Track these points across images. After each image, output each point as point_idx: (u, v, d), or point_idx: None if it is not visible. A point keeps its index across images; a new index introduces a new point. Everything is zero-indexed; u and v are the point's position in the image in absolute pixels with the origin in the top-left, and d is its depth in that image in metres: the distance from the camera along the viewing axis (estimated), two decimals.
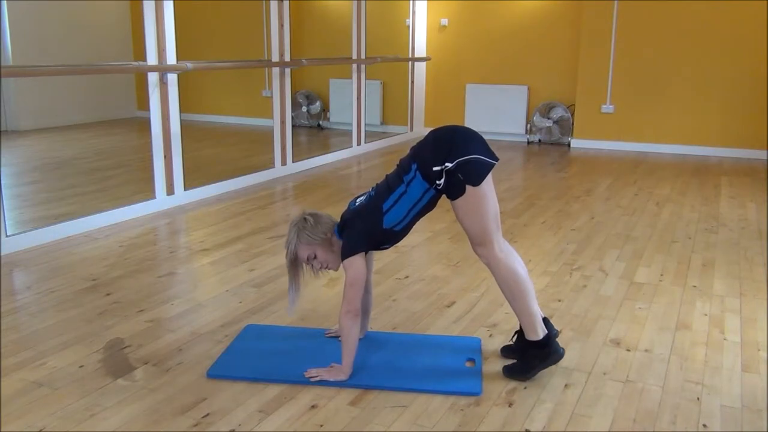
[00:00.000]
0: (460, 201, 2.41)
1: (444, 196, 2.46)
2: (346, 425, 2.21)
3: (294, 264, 2.52)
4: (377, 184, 2.53)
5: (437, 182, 2.38)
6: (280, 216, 4.85)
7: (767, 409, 2.33)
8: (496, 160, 2.43)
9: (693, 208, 5.11)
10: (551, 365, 2.55)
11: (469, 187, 2.37)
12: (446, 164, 2.35)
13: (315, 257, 2.50)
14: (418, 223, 2.54)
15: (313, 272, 2.58)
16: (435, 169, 2.37)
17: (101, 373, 2.54)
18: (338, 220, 2.56)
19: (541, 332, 2.52)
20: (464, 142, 2.41)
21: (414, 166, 2.42)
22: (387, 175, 2.54)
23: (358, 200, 2.54)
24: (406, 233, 2.52)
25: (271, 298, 3.28)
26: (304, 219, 2.49)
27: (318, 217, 2.52)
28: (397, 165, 2.51)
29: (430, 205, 2.48)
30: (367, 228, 2.46)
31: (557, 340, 2.58)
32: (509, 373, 2.54)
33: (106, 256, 3.89)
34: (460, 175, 2.36)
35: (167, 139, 4.94)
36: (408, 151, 2.52)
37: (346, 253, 2.43)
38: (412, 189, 2.42)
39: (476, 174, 2.38)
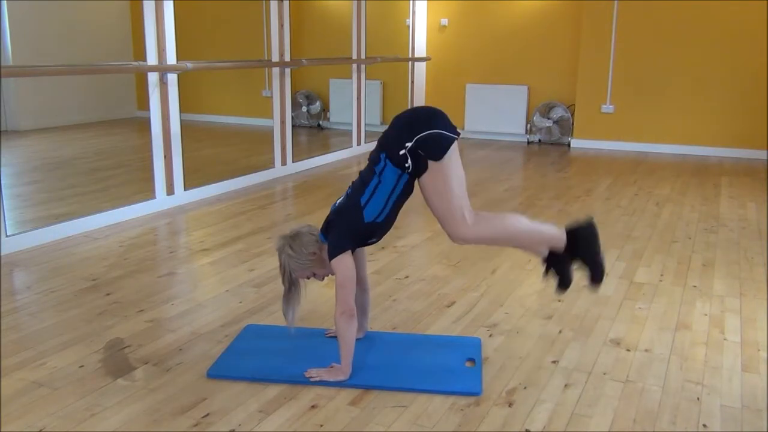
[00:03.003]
0: (424, 178, 2.40)
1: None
2: (346, 425, 2.21)
3: (292, 286, 2.52)
4: (353, 182, 2.54)
5: (406, 165, 2.39)
6: (280, 216, 4.85)
7: (767, 409, 2.33)
8: (458, 134, 2.42)
9: (693, 208, 5.11)
10: (598, 234, 2.53)
11: (431, 163, 2.37)
12: (407, 144, 2.36)
13: (314, 275, 2.53)
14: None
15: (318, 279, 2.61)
16: (401, 153, 2.37)
17: (101, 373, 2.54)
18: (319, 227, 2.56)
19: (561, 234, 2.51)
20: (424, 119, 2.41)
21: (383, 156, 2.43)
22: (360, 172, 2.55)
23: (338, 202, 2.55)
24: (391, 224, 2.53)
25: (271, 298, 3.28)
26: (290, 246, 2.48)
27: (299, 238, 2.50)
28: (368, 160, 2.52)
29: (408, 190, 2.48)
30: (350, 225, 2.47)
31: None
32: (597, 279, 2.53)
33: (106, 256, 3.89)
34: (420, 152, 2.36)
35: (167, 139, 4.94)
36: (376, 145, 2.52)
37: (332, 254, 2.43)
38: (385, 178, 2.43)
39: (436, 148, 2.36)
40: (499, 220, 2.48)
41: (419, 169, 2.40)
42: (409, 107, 2.58)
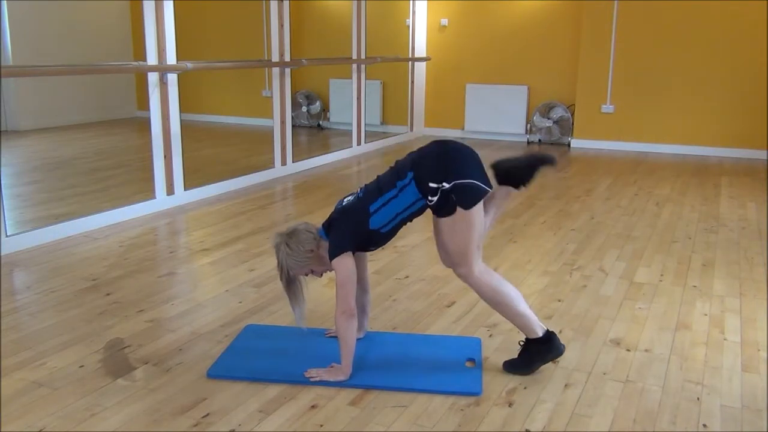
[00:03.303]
0: (447, 220, 2.41)
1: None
2: (346, 425, 2.21)
3: (291, 284, 2.52)
4: (366, 184, 2.53)
5: (430, 198, 2.39)
6: (280, 216, 4.85)
7: (767, 409, 2.33)
8: (491, 188, 2.44)
9: (693, 208, 5.11)
10: (551, 360, 2.57)
11: (459, 209, 2.38)
12: (443, 184, 2.35)
13: (312, 271, 2.53)
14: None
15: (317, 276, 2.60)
16: (431, 185, 2.37)
17: (101, 373, 2.54)
18: (319, 225, 2.55)
19: (539, 330, 2.53)
20: (465, 165, 2.40)
21: (410, 174, 2.41)
22: (378, 176, 2.54)
23: (345, 200, 2.54)
24: (392, 236, 2.52)
25: (271, 298, 3.28)
26: (287, 244, 2.47)
27: (296, 236, 2.49)
28: (392, 167, 2.50)
29: (418, 213, 2.49)
30: (353, 228, 2.46)
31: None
32: (510, 368, 2.56)
33: (106, 256, 3.89)
34: (453, 197, 2.36)
35: (167, 139, 4.94)
36: (406, 155, 2.51)
37: (333, 253, 2.43)
38: (403, 195, 2.42)
39: (470, 199, 2.38)
40: (499, 282, 2.52)
41: (443, 209, 2.39)
42: (453, 140, 2.56)
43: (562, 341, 2.78)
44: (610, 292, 3.40)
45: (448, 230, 2.42)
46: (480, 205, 2.41)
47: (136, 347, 2.76)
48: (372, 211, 2.44)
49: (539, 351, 2.55)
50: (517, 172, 2.52)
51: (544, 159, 2.53)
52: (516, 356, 2.60)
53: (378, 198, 2.44)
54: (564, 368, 2.60)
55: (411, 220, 2.51)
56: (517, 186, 2.55)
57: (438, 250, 2.56)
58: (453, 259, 2.48)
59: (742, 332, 2.95)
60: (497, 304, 2.52)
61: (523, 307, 2.52)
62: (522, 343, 2.62)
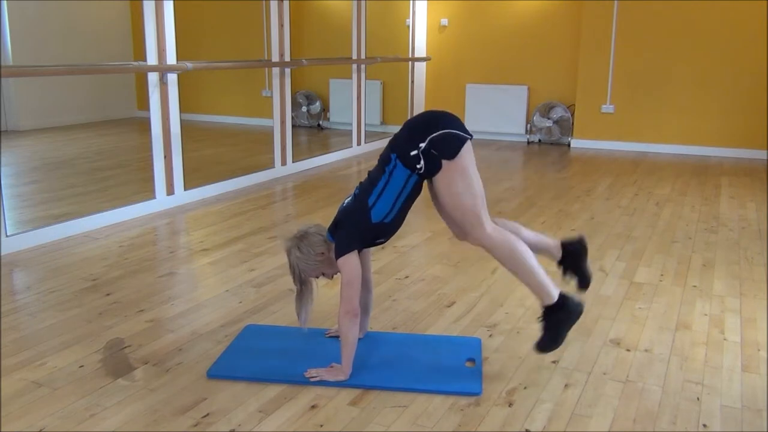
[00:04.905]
0: (438, 179, 2.41)
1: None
2: (346, 425, 2.21)
3: (303, 286, 2.52)
4: (360, 182, 2.55)
5: (417, 166, 2.39)
6: (280, 216, 4.85)
7: (767, 409, 2.33)
8: (470, 135, 2.44)
9: (693, 208, 5.11)
10: (576, 321, 2.51)
11: (445, 162, 2.38)
12: (420, 145, 2.37)
13: (323, 274, 2.54)
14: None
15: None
16: (412, 153, 2.38)
17: (101, 373, 2.54)
18: (327, 226, 2.56)
19: (555, 293, 2.48)
20: (437, 122, 2.43)
21: (393, 156, 2.44)
22: (369, 172, 2.56)
23: (345, 202, 2.56)
24: (399, 224, 2.53)
25: (271, 298, 3.28)
26: (298, 247, 2.48)
27: (307, 239, 2.50)
28: (378, 160, 2.53)
29: (416, 191, 2.49)
30: (357, 226, 2.47)
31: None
32: (542, 348, 2.49)
33: (106, 256, 3.89)
34: (434, 151, 2.37)
35: (167, 139, 4.94)
36: (386, 145, 2.53)
37: (339, 253, 2.44)
38: (394, 178, 2.43)
39: (450, 147, 2.38)
40: (515, 240, 2.47)
41: (432, 170, 2.40)
42: (421, 112, 2.57)
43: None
44: (610, 292, 3.40)
45: (446, 190, 2.42)
46: (468, 156, 2.41)
47: (136, 347, 2.76)
48: (371, 204, 2.45)
49: (560, 320, 2.48)
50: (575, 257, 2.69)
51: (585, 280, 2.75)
52: (542, 335, 2.50)
53: (373, 190, 2.46)
54: (564, 368, 2.61)
55: (413, 202, 2.51)
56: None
57: (449, 226, 2.55)
58: (464, 225, 2.45)
59: (742, 332, 2.95)
60: (512, 260, 2.46)
61: (538, 268, 2.47)
62: (542, 319, 2.52)
